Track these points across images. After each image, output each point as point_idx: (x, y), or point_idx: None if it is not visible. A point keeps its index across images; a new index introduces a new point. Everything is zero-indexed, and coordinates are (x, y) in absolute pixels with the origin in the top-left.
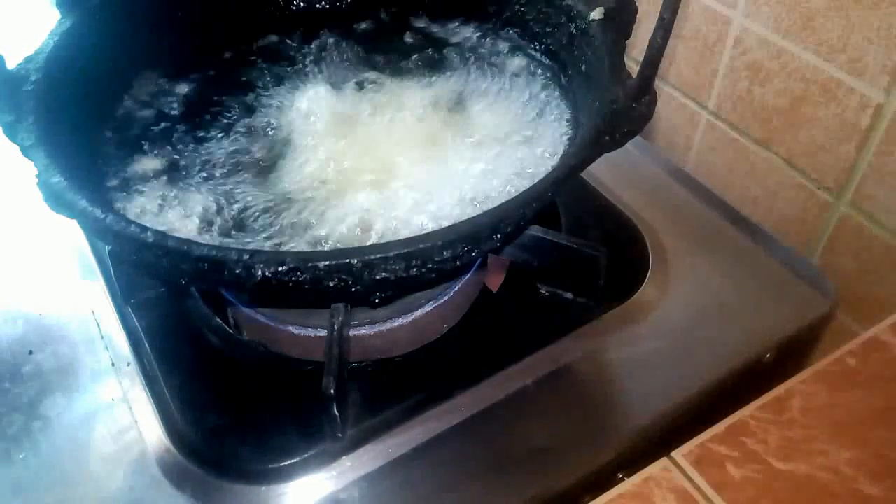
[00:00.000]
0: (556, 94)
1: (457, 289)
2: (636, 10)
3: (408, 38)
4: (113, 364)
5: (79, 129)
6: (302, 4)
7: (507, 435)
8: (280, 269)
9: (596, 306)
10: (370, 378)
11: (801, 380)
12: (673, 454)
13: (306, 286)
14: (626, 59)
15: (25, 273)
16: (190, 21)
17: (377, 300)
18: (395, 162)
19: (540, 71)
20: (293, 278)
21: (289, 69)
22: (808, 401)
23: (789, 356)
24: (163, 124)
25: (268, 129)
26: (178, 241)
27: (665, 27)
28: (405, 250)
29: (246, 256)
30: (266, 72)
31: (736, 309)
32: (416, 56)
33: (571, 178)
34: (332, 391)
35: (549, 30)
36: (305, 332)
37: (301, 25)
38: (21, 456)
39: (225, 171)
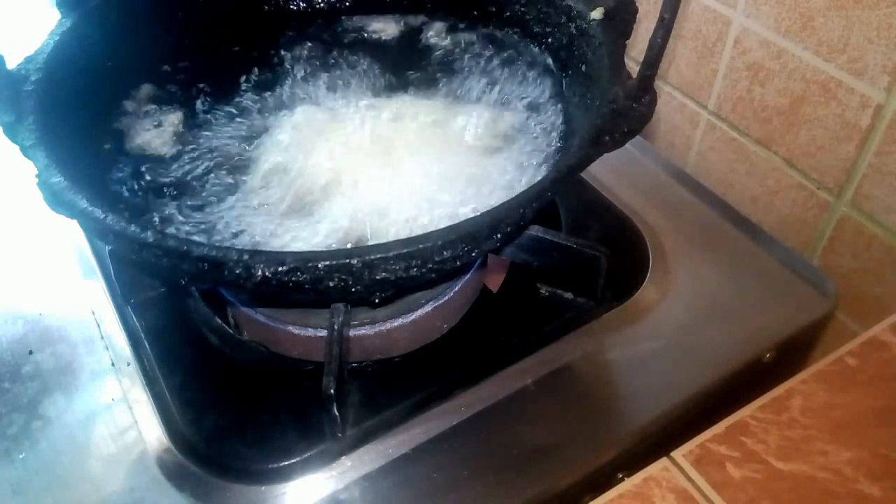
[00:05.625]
0: (556, 94)
1: (457, 289)
2: (636, 10)
3: (407, 38)
4: (113, 364)
5: (79, 129)
6: (302, 4)
7: (507, 435)
8: (280, 269)
9: (596, 306)
10: (370, 378)
11: (801, 380)
12: (673, 454)
13: (306, 286)
14: (626, 59)
15: (25, 273)
16: (190, 21)
17: (377, 300)
18: (390, 163)
19: (539, 71)
20: (293, 278)
21: (289, 68)
22: (808, 401)
23: (789, 356)
24: (162, 124)
25: (267, 131)
26: (178, 241)
27: (665, 27)
28: (405, 250)
29: (246, 256)
30: (267, 72)
31: (736, 309)
32: (415, 56)
33: (571, 178)
34: (332, 391)
35: (549, 30)
36: (305, 332)
37: (301, 24)
38: (21, 456)
39: (222, 172)
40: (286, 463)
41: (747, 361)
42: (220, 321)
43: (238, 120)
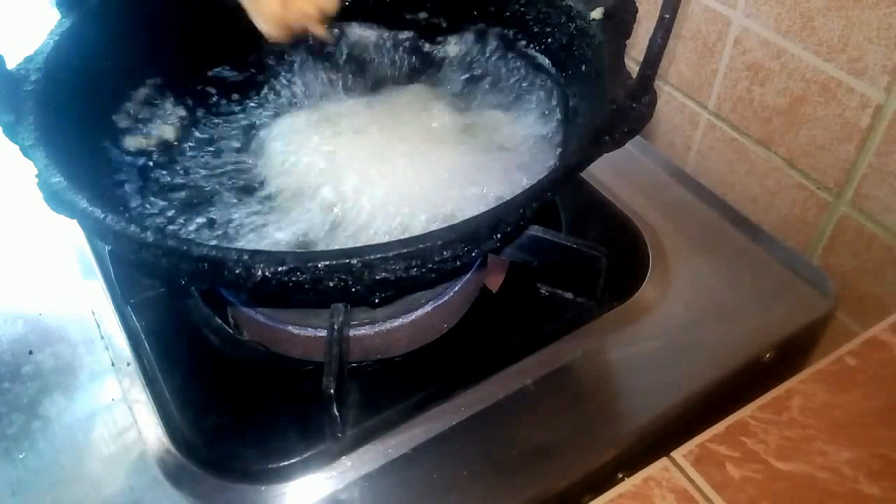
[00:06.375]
0: (556, 94)
1: (457, 289)
2: (636, 10)
3: (407, 39)
4: (113, 364)
5: (79, 129)
6: None
7: (507, 435)
8: (280, 269)
9: (596, 306)
10: (370, 378)
11: (801, 380)
12: (673, 454)
13: (306, 286)
14: (626, 59)
15: (25, 273)
16: (190, 21)
17: (377, 300)
18: (390, 164)
19: (539, 71)
20: (293, 278)
21: (290, 68)
22: (808, 401)
23: (789, 356)
24: (162, 124)
25: (268, 131)
26: (178, 241)
27: (665, 27)
28: (405, 250)
29: (246, 256)
30: (268, 72)
31: (736, 309)
32: (414, 56)
33: (571, 178)
34: (332, 391)
35: (548, 30)
36: (305, 332)
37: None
38: (21, 456)
39: (221, 171)
40: (286, 463)
41: (747, 361)
42: (220, 321)
43: (238, 119)
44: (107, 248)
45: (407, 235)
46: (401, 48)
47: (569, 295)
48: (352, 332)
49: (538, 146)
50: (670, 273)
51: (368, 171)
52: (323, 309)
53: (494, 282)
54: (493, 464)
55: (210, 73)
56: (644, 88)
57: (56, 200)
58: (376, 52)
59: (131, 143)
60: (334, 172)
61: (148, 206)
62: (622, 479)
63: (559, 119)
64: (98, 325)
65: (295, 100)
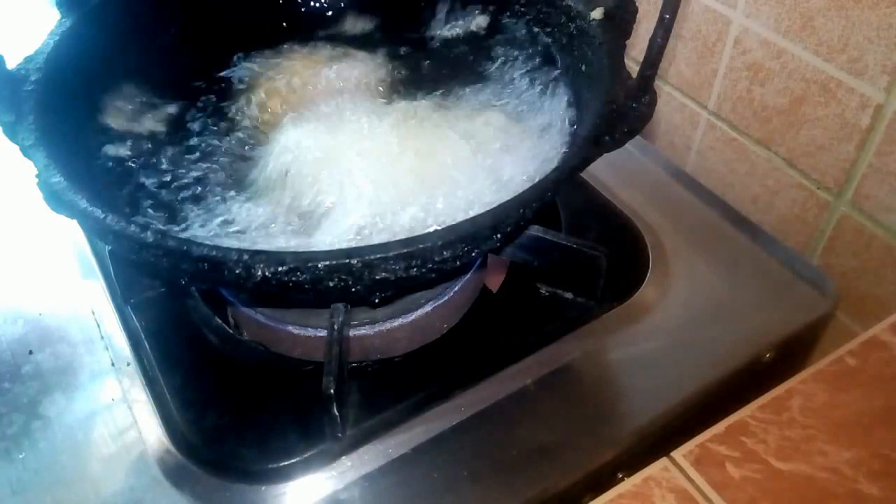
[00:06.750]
0: (556, 94)
1: (457, 289)
2: (636, 10)
3: (405, 39)
4: (113, 364)
5: (79, 129)
6: (300, 2)
7: (507, 435)
8: (280, 269)
9: (596, 306)
10: (370, 378)
11: (801, 380)
12: (673, 454)
13: (306, 286)
14: (626, 59)
15: (25, 273)
16: (190, 21)
17: (377, 300)
18: (391, 164)
19: (539, 71)
20: (293, 278)
21: (291, 68)
22: (808, 401)
23: (789, 356)
24: (162, 124)
25: (269, 131)
26: (178, 241)
27: (665, 27)
28: (405, 250)
29: (246, 256)
30: (264, 73)
31: (736, 309)
32: (413, 56)
33: (571, 178)
34: (332, 391)
35: (548, 30)
36: (305, 332)
37: (303, 24)
38: (21, 456)
39: (223, 173)
40: (286, 463)
41: (747, 361)
42: (220, 321)
43: (239, 119)
44: (107, 248)
45: (407, 236)
46: (398, 50)
47: (569, 295)
48: (352, 332)
49: (538, 146)
50: (670, 273)
51: (366, 169)
52: (323, 309)
53: (494, 282)
54: (493, 464)
55: (213, 72)
56: (644, 88)
57: (56, 200)
58: (371, 54)
59: (132, 142)
60: (332, 170)
61: (148, 205)
62: (622, 479)
63: (559, 119)
64: (98, 325)
65: (294, 98)
